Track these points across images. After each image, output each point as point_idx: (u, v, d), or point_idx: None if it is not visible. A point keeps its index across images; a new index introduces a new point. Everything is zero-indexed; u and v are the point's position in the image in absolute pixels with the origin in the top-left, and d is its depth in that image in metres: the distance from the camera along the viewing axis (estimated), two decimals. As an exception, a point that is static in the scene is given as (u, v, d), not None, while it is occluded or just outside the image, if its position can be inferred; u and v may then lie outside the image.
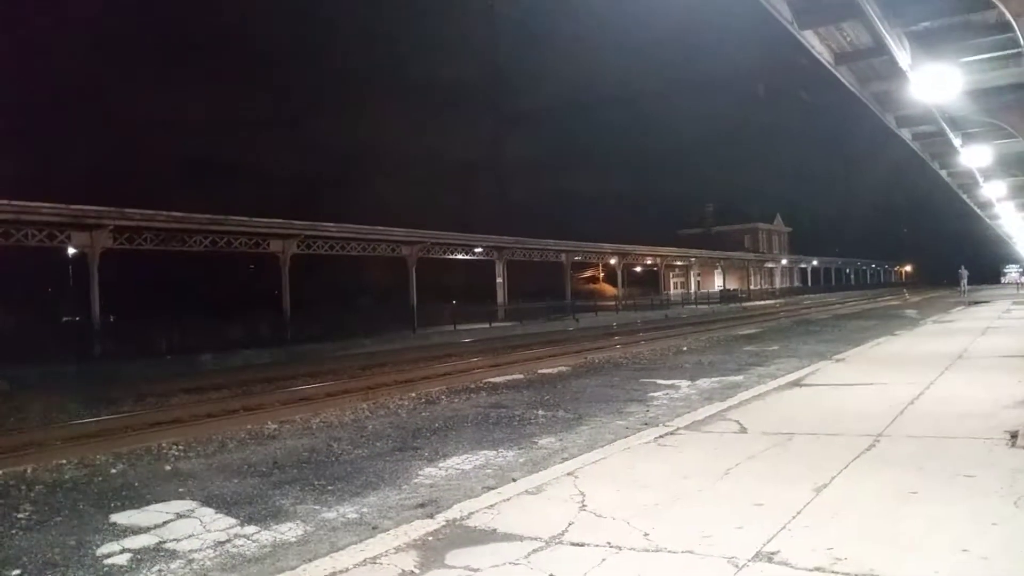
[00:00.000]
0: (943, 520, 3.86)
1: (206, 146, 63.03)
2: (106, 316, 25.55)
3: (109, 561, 4.74)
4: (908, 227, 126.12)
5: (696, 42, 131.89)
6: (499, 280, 41.17)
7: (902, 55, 9.36)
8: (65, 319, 31.73)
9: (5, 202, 20.77)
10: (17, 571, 4.64)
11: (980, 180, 20.70)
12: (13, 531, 5.52)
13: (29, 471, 7.49)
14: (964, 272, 42.28)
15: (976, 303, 33.72)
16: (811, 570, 3.31)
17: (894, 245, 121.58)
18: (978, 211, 33.86)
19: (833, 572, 3.28)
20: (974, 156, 16.07)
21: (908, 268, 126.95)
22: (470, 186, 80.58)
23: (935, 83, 9.93)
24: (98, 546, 5.04)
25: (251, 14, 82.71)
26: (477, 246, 39.30)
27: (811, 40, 9.89)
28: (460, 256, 39.47)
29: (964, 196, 27.71)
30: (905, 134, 15.97)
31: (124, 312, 30.09)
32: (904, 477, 4.70)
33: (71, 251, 26.27)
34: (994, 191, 22.92)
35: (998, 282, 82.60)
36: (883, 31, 8.65)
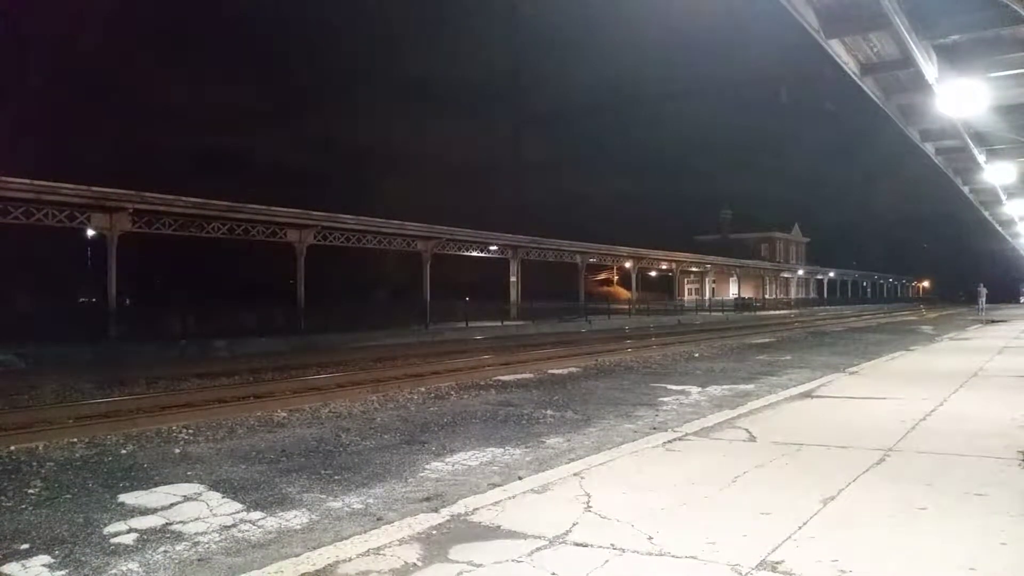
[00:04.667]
0: (952, 537, 3.82)
1: (213, 139, 63.67)
2: (122, 299, 25.80)
3: (116, 540, 4.78)
4: (927, 242, 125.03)
5: (718, 47, 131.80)
6: (513, 279, 41.18)
7: (929, 68, 9.27)
8: (82, 300, 32.06)
9: (27, 181, 20.98)
10: (26, 545, 4.69)
11: (1003, 198, 20.51)
12: (23, 506, 5.58)
13: (40, 448, 7.57)
14: (982, 290, 41.80)
15: (993, 322, 33.36)
16: (815, 581, 3.28)
17: (912, 260, 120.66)
18: (999, 229, 33.53)
19: (838, 584, 3.25)
20: (998, 173, 15.92)
21: (926, 284, 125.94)
22: (482, 186, 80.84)
23: (961, 98, 9.83)
24: (105, 525, 5.09)
25: (270, 10, 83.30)
26: (492, 244, 39.32)
27: (837, 49, 9.81)
28: (475, 253, 39.50)
29: (986, 213, 27.45)
30: (928, 148, 15.82)
31: (140, 296, 30.36)
32: (914, 493, 4.65)
33: (90, 233, 26.48)
34: (1017, 209, 22.72)
35: (1017, 301, 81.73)
36: (910, 43, 8.57)
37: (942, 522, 4.09)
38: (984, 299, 41.77)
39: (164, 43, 74.65)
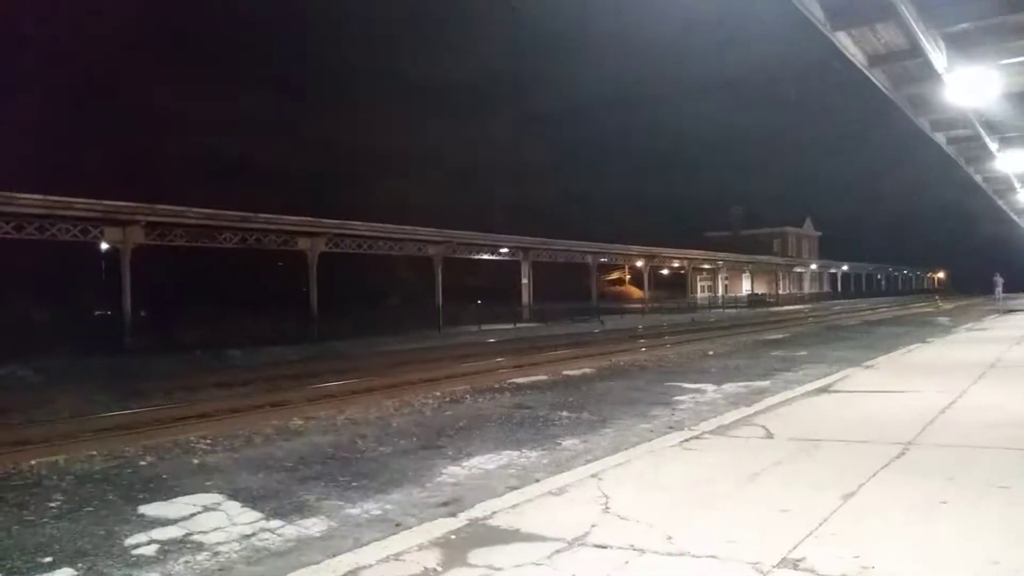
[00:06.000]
0: (974, 531, 3.79)
1: (215, 144, 63.87)
2: (137, 311, 25.95)
3: (137, 552, 4.81)
4: (941, 233, 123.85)
5: (724, 43, 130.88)
6: (524, 281, 41.17)
7: (938, 57, 9.22)
8: (97, 313, 32.27)
9: (40, 197, 21.21)
10: (49, 559, 4.72)
11: (1017, 185, 20.36)
12: (45, 520, 5.62)
13: (61, 461, 7.62)
14: (999, 280, 41.41)
15: (1011, 311, 33.04)
16: (838, 578, 3.26)
17: (926, 251, 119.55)
18: (1014, 217, 33.26)
19: (860, 581, 3.22)
20: (1011, 161, 15.80)
21: (941, 275, 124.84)
22: (487, 188, 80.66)
23: (972, 86, 9.77)
24: (127, 536, 5.12)
25: (272, 12, 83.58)
26: (503, 246, 39.35)
27: (844, 42, 9.77)
28: (486, 256, 39.55)
29: (999, 202, 27.24)
30: (939, 138, 15.71)
31: (155, 307, 30.53)
32: (934, 486, 4.61)
33: (104, 246, 26.71)
34: (1031, 197, 22.50)
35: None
36: (918, 33, 8.53)
37: (964, 516, 4.05)
38: (1001, 289, 41.37)
39: (164, 47, 74.95)
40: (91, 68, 59.69)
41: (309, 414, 10.09)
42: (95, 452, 7.99)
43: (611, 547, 3.79)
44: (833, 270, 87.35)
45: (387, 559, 3.78)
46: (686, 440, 6.54)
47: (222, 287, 37.98)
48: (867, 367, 12.23)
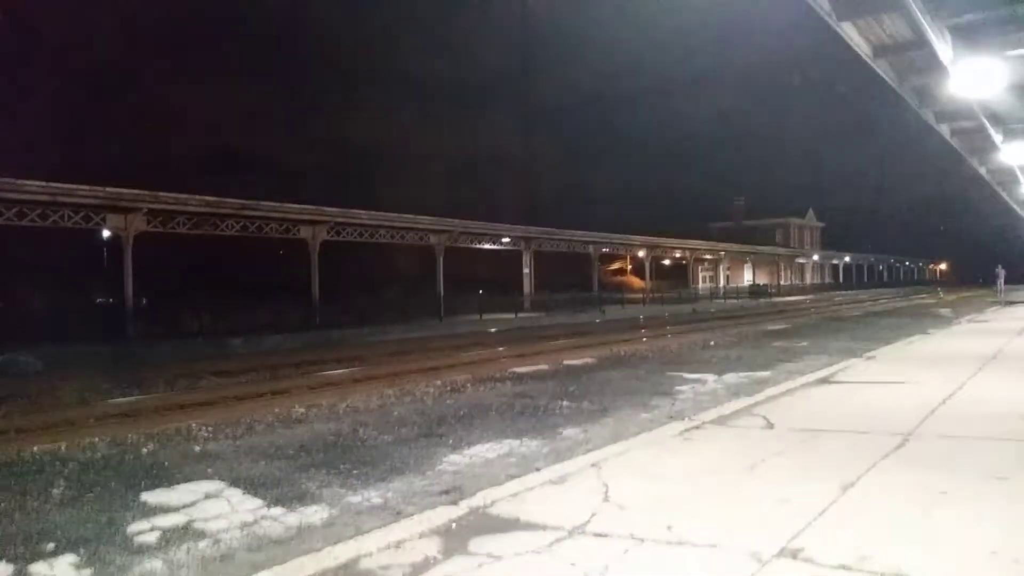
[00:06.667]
0: (973, 521, 3.80)
1: (216, 141, 63.76)
2: (139, 298, 26.00)
3: (139, 539, 4.83)
4: (944, 224, 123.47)
5: (729, 32, 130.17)
6: (526, 271, 41.19)
7: (943, 49, 9.17)
8: (99, 301, 32.32)
9: (42, 184, 21.22)
10: (52, 545, 4.74)
11: (1021, 178, 20.29)
12: (48, 506, 5.64)
13: (63, 448, 7.65)
14: (1001, 272, 41.38)
15: (1012, 303, 33.01)
16: (836, 568, 3.27)
17: (929, 242, 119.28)
18: (1017, 209, 33.19)
19: (859, 571, 3.23)
20: (1015, 153, 15.75)
21: (943, 266, 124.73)
22: (490, 180, 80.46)
23: (977, 78, 9.72)
24: (128, 523, 5.14)
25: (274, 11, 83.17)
26: (505, 236, 39.35)
27: (849, 32, 9.72)
28: (487, 246, 39.54)
29: (1003, 194, 27.17)
30: (944, 129, 15.66)
31: (157, 295, 30.57)
32: (934, 477, 4.62)
33: (106, 234, 26.75)
34: (1035, 189, 22.45)
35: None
36: (924, 24, 8.48)
37: (963, 506, 4.06)
38: (1003, 281, 41.34)
39: (166, 45, 74.65)
40: (95, 68, 59.62)
41: (310, 402, 10.11)
42: (97, 439, 8.02)
43: (611, 536, 3.80)
44: (835, 261, 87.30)
45: (388, 547, 3.80)
46: (686, 430, 6.56)
47: (224, 275, 38.01)
48: (868, 358, 12.23)
